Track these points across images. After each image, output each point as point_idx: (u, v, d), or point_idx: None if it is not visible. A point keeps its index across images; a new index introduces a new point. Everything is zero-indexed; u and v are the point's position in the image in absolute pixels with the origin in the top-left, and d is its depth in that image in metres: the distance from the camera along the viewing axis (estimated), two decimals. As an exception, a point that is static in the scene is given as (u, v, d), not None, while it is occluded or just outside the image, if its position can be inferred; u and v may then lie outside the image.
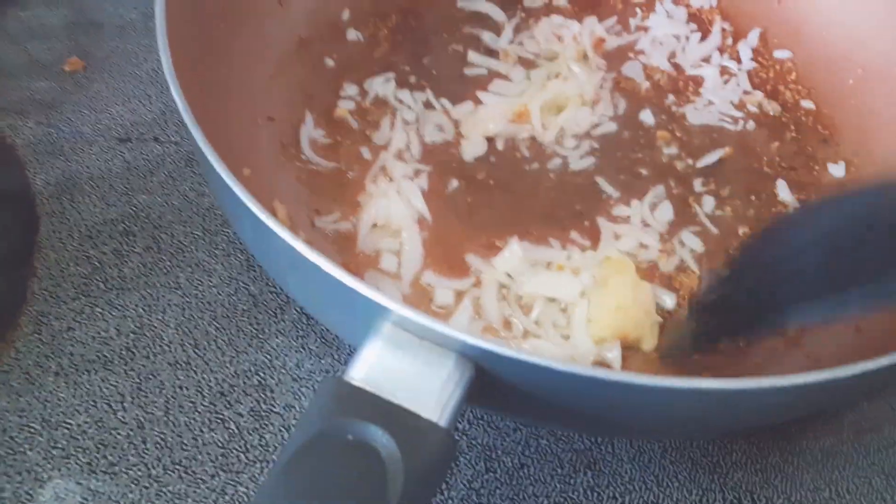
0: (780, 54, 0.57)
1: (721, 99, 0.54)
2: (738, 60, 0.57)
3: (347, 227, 0.47)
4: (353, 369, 0.30)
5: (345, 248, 0.46)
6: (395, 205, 0.47)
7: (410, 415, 0.29)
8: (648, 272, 0.46)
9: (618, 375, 0.33)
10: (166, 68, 0.37)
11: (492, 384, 0.31)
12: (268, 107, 0.50)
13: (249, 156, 0.46)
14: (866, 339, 0.42)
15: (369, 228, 0.47)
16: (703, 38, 0.57)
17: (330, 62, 0.54)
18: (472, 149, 0.51)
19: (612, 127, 0.53)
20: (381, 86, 0.53)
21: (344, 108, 0.52)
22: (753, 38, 0.57)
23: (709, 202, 0.50)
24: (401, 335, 0.31)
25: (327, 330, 0.43)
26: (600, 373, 0.30)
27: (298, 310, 0.44)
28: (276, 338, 0.43)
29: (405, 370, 0.30)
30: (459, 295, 0.44)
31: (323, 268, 0.31)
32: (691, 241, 0.48)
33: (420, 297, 0.44)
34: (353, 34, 0.56)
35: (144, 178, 0.49)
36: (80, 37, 0.56)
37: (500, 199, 0.49)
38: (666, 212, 0.49)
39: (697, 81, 0.55)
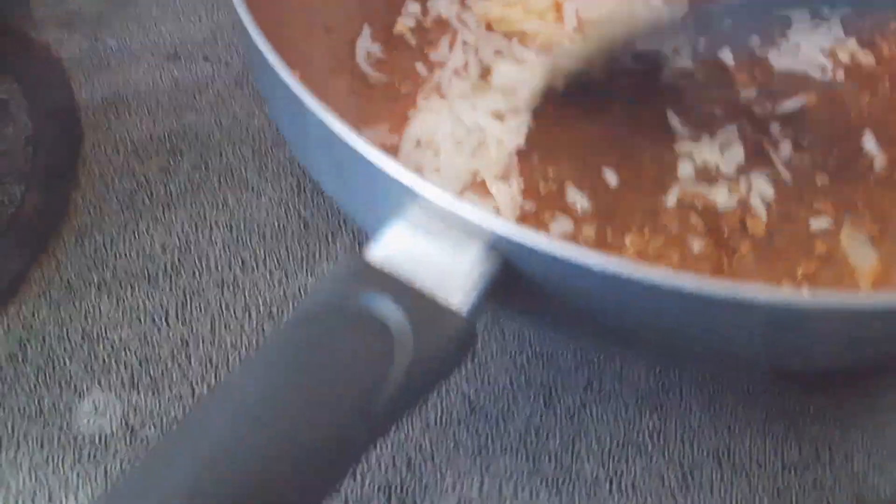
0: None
1: (809, 44, 0.50)
2: (832, 4, 0.52)
3: (394, 140, 0.44)
4: (372, 249, 0.28)
5: None
6: (442, 122, 0.45)
7: (427, 296, 0.27)
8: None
9: (692, 284, 0.26)
10: None
11: (520, 282, 0.28)
12: (326, 16, 0.48)
13: (302, 63, 0.44)
14: None
15: (413, 144, 0.44)
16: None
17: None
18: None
19: (687, 63, 0.49)
20: (445, 6, 0.50)
21: (404, 24, 0.49)
22: (849, -21, 0.53)
23: (785, 148, 0.46)
24: (427, 220, 0.29)
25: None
26: (654, 275, 0.26)
27: (351, 237, 0.42)
28: (327, 262, 0.41)
29: (429, 254, 0.28)
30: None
31: (350, 143, 0.29)
32: (762, 186, 0.45)
33: None
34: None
35: (193, 97, 0.47)
36: (129, -48, 0.54)
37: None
38: (737, 153, 0.46)
39: (785, 22, 0.51)
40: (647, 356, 0.39)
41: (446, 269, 0.28)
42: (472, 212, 0.27)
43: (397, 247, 0.28)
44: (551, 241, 0.26)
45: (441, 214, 0.28)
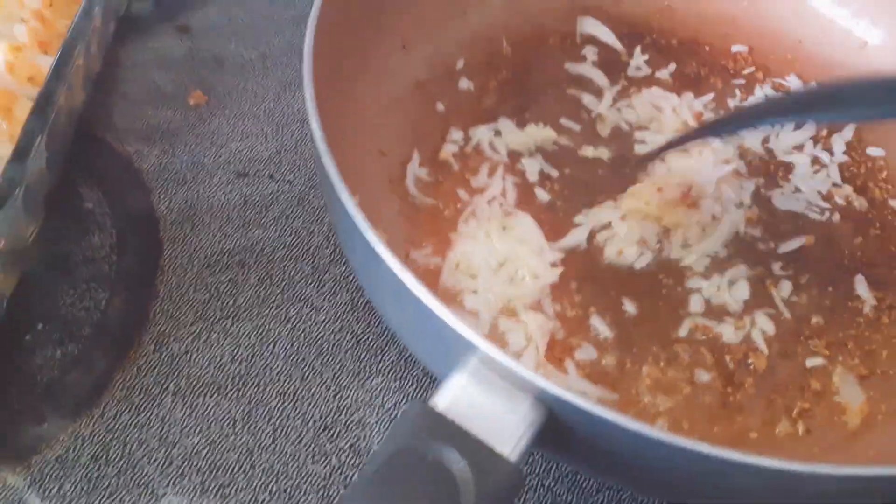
0: (873, 151, 0.58)
1: (809, 188, 0.56)
2: (831, 152, 0.58)
3: (437, 261, 0.49)
4: (438, 397, 0.33)
5: (431, 283, 0.48)
6: (478, 247, 0.50)
7: (485, 446, 0.32)
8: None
9: (705, 448, 0.32)
10: (308, 99, 0.41)
11: (563, 431, 0.33)
12: (381, 142, 0.53)
13: (360, 186, 0.49)
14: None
15: (453, 267, 0.49)
16: (798, 125, 0.59)
17: (441, 106, 0.57)
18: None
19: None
20: (484, 134, 0.56)
21: (448, 150, 0.54)
22: (848, 132, 0.59)
23: (786, 287, 0.51)
24: (484, 372, 0.34)
25: (424, 374, 0.45)
26: (674, 439, 0.32)
27: (397, 353, 0.46)
28: (377, 377, 0.45)
29: (485, 405, 0.33)
30: (530, 338, 0.46)
31: (422, 298, 0.34)
32: (763, 323, 0.50)
33: (497, 338, 0.46)
34: (464, 83, 0.59)
35: (260, 213, 0.52)
36: (202, 71, 0.59)
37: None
38: (742, 290, 0.51)
39: (788, 168, 0.57)
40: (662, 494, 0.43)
41: (501, 418, 0.33)
42: (525, 370, 0.33)
43: (458, 396, 0.33)
44: (591, 403, 0.31)
45: (498, 369, 0.33)
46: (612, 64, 0.62)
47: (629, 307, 0.49)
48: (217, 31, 0.62)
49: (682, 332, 0.49)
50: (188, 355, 0.45)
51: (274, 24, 0.63)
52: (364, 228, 0.37)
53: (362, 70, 0.53)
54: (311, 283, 0.49)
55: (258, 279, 0.49)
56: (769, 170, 0.57)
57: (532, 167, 0.55)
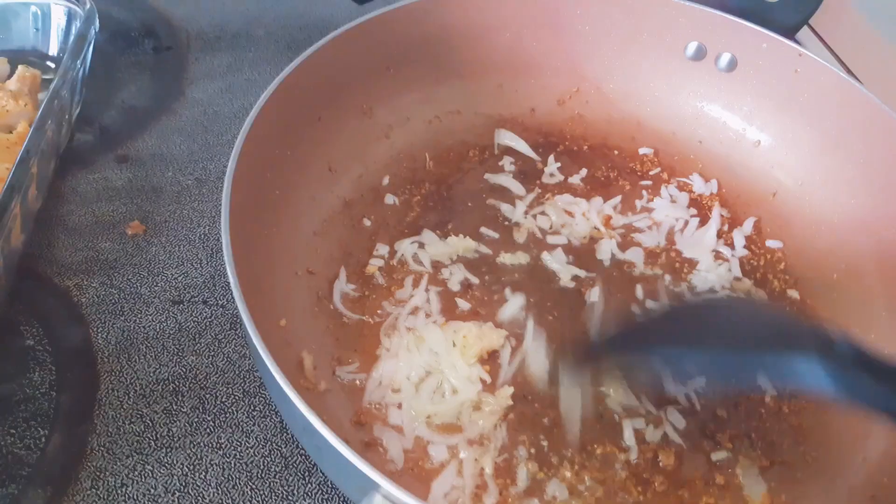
0: (772, 244, 0.63)
1: (712, 282, 0.60)
2: (732, 247, 0.63)
3: (363, 377, 0.52)
4: None
5: (357, 399, 0.51)
6: (400, 363, 0.53)
7: None
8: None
9: None
10: (225, 242, 0.45)
11: None
12: (309, 261, 0.57)
13: (287, 306, 0.53)
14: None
15: (377, 384, 0.52)
16: (702, 223, 0.64)
17: (367, 222, 0.61)
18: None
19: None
20: (409, 248, 0.59)
21: (374, 265, 0.58)
22: (748, 226, 0.64)
23: (696, 381, 0.55)
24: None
25: (349, 499, 0.48)
26: None
27: (323, 475, 0.49)
28: (304, 500, 0.48)
29: None
30: (452, 451, 0.49)
31: (329, 440, 0.38)
32: (675, 417, 0.53)
33: (420, 451, 0.49)
34: (390, 198, 0.63)
35: (194, 340, 0.55)
36: (141, 200, 0.63)
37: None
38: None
39: (692, 264, 0.61)
40: None
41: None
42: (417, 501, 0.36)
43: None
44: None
45: (398, 500, 0.37)
46: (528, 173, 0.66)
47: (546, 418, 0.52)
48: (155, 159, 0.66)
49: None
50: (124, 489, 0.47)
51: (209, 150, 0.67)
52: (274, 371, 0.40)
53: (291, 195, 0.57)
54: (241, 408, 0.51)
55: (191, 407, 0.51)
56: (674, 267, 0.61)
57: (454, 276, 0.59)
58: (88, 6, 0.66)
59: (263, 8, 0.83)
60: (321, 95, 0.60)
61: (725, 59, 0.65)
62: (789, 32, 0.66)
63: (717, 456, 0.52)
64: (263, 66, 0.76)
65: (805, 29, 0.80)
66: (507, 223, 0.63)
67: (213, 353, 0.54)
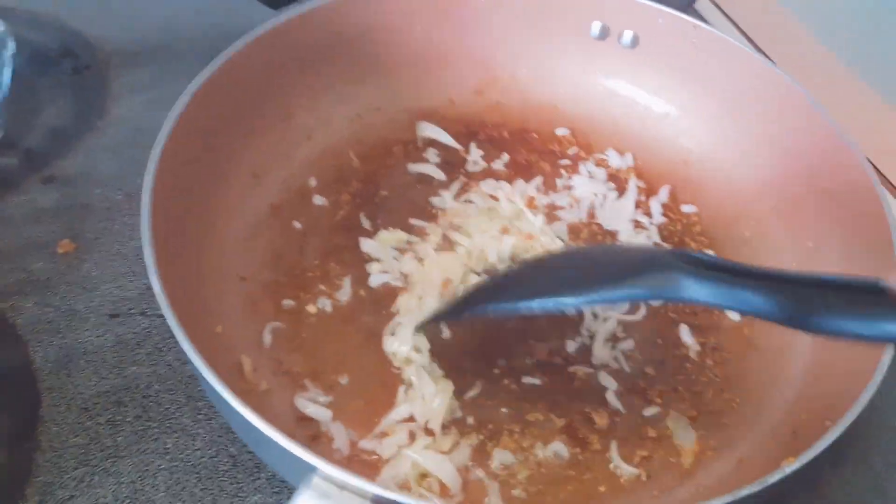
0: (687, 209, 0.66)
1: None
2: (650, 215, 0.66)
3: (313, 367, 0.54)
4: None
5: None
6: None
7: None
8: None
9: None
10: (147, 255, 0.46)
11: None
12: (241, 268, 0.58)
13: (222, 312, 0.54)
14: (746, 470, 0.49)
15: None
16: (620, 195, 0.67)
17: (298, 224, 0.62)
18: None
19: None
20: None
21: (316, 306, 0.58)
22: (664, 194, 0.67)
23: (623, 344, 0.58)
24: (327, 486, 0.39)
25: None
26: None
27: (272, 470, 0.50)
28: (255, 495, 0.49)
29: None
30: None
31: (264, 431, 0.39)
32: (607, 381, 0.56)
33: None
34: (318, 199, 0.64)
35: (133, 351, 0.55)
36: (71, 219, 0.63)
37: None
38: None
39: (613, 235, 0.64)
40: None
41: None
42: (356, 479, 0.38)
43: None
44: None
45: (336, 480, 0.38)
46: (452, 162, 0.68)
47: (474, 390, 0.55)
48: (83, 177, 0.66)
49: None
50: (72, 500, 0.48)
51: (137, 164, 0.65)
52: (206, 373, 0.41)
53: (216, 203, 0.58)
54: (186, 413, 0.52)
55: (135, 416, 0.52)
56: (597, 239, 0.64)
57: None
58: (2, 28, 0.66)
59: (182, 20, 0.83)
60: (239, 101, 0.61)
61: (628, 36, 0.68)
62: (684, 6, 0.70)
63: (649, 412, 0.55)
64: (186, 78, 0.76)
65: (705, 1, 0.84)
66: (435, 212, 0.65)
67: (154, 363, 0.55)
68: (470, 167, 0.68)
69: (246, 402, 0.41)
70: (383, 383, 0.54)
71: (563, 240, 0.63)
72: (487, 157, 0.69)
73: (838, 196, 0.58)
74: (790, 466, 0.41)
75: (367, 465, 0.50)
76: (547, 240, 0.61)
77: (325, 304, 0.58)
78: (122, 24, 0.81)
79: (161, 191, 0.50)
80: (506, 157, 0.69)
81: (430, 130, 0.69)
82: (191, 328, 0.44)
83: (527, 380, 0.55)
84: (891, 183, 0.71)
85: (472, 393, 0.54)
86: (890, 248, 0.52)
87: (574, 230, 0.64)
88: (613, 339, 0.58)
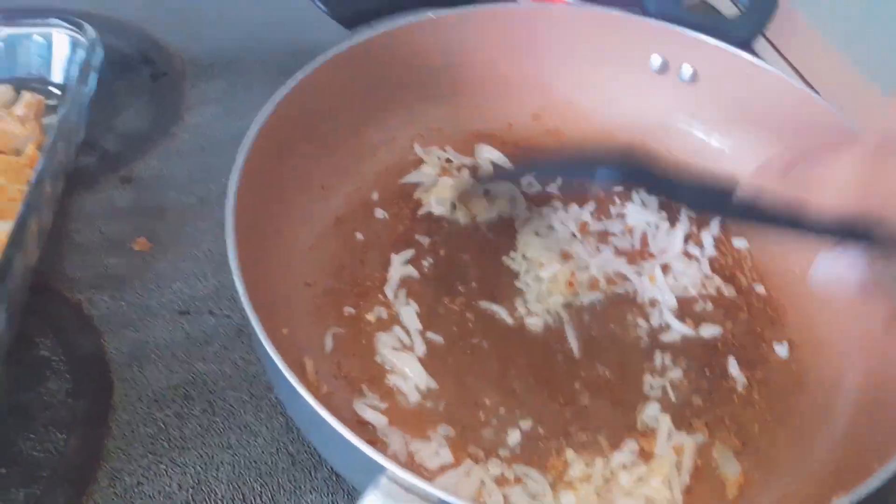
0: (738, 243, 0.67)
1: (685, 281, 0.65)
2: (701, 246, 0.67)
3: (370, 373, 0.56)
4: None
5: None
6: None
7: None
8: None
9: None
10: (231, 256, 0.48)
11: None
12: (306, 274, 0.60)
13: (288, 316, 0.56)
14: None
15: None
16: (672, 225, 0.68)
17: (360, 236, 0.64)
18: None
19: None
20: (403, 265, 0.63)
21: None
22: (715, 227, 0.68)
23: (672, 373, 0.59)
24: (394, 487, 0.40)
25: (354, 489, 0.51)
26: None
27: (329, 470, 0.52)
28: (311, 494, 0.51)
29: None
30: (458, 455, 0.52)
31: (335, 427, 0.41)
32: (653, 409, 0.57)
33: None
34: (380, 213, 0.66)
35: (201, 348, 0.58)
36: (145, 219, 0.66)
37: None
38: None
39: (665, 266, 0.66)
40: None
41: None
42: (424, 484, 0.40)
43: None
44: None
45: (404, 484, 0.40)
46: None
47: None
48: (157, 180, 0.69)
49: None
50: (140, 487, 0.50)
51: (208, 171, 0.70)
52: (282, 367, 0.44)
53: (286, 213, 0.61)
54: (249, 410, 0.55)
55: (202, 410, 0.54)
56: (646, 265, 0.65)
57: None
58: (93, 35, 0.70)
59: (255, 36, 0.87)
60: (312, 117, 0.63)
61: (687, 71, 0.70)
62: (744, 44, 0.71)
63: (695, 440, 0.56)
64: (257, 91, 0.80)
65: (763, 42, 0.85)
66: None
67: (220, 360, 0.57)
68: (524, 189, 0.70)
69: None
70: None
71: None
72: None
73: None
74: (839, 501, 0.42)
75: (422, 471, 0.51)
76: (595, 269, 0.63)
77: (382, 312, 0.60)
78: (199, 37, 0.85)
79: (241, 198, 0.53)
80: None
81: (487, 152, 0.72)
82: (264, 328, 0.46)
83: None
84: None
85: (526, 423, 0.55)
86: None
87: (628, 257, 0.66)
88: (662, 370, 0.59)
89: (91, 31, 0.71)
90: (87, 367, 0.56)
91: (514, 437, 0.54)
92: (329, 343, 0.57)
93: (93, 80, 0.69)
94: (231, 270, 0.47)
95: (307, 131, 0.63)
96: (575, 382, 0.58)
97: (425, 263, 0.63)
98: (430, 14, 0.69)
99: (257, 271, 0.54)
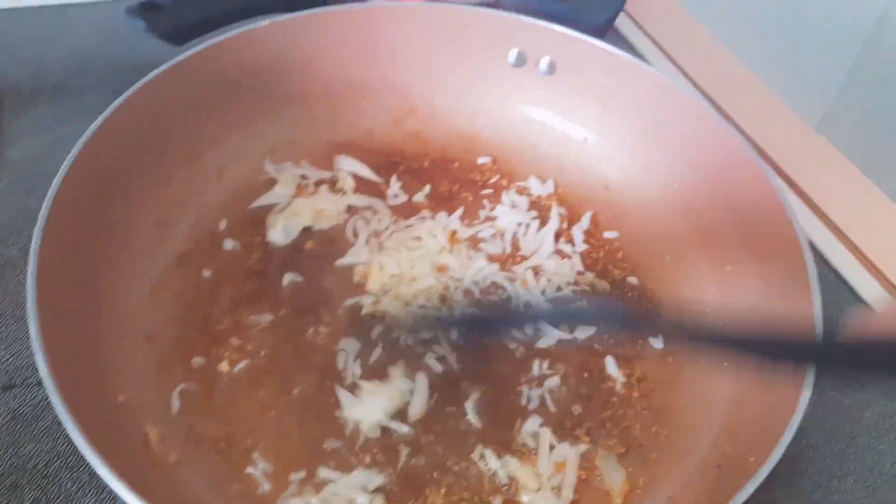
0: (609, 234, 0.65)
1: (558, 280, 0.62)
2: (573, 243, 0.65)
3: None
4: None
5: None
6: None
7: None
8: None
9: None
10: (33, 331, 0.43)
11: None
12: (146, 326, 0.54)
13: (126, 378, 0.50)
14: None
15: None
16: (542, 224, 0.65)
17: (207, 273, 0.59)
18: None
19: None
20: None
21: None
22: (586, 220, 0.66)
23: (550, 382, 0.56)
24: None
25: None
26: None
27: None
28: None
29: None
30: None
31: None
32: (532, 424, 0.54)
33: None
34: (229, 243, 0.61)
35: (30, 426, 0.51)
36: (-39, 280, 0.59)
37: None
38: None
39: (537, 270, 0.63)
40: None
41: None
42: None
43: None
44: None
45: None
46: (373, 196, 0.66)
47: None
48: (-28, 231, 0.62)
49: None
50: None
51: (34, 214, 0.62)
52: (88, 455, 0.38)
53: (117, 256, 0.54)
54: (89, 491, 0.49)
55: (33, 500, 0.48)
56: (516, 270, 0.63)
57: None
58: None
59: (84, 56, 0.79)
60: (141, 143, 0.57)
61: (545, 63, 0.67)
62: (599, 33, 0.69)
63: (577, 450, 0.53)
64: (91, 116, 0.72)
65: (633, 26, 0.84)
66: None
67: (53, 437, 0.51)
68: (391, 200, 0.66)
69: (153, 478, 0.38)
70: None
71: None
72: (408, 189, 0.67)
73: (754, 221, 0.57)
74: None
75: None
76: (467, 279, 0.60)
77: (238, 359, 0.55)
78: (20, 62, 0.77)
79: (54, 248, 0.47)
80: (427, 188, 0.67)
81: (348, 164, 0.67)
82: (86, 401, 0.41)
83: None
84: (816, 204, 0.71)
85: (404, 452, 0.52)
86: (805, 274, 0.52)
87: (497, 259, 0.63)
88: (539, 379, 0.57)
89: None
90: None
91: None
92: (176, 403, 0.52)
93: None
94: (31, 340, 0.41)
95: (135, 161, 0.57)
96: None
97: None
98: (266, 21, 0.64)
99: (83, 332, 0.49)
